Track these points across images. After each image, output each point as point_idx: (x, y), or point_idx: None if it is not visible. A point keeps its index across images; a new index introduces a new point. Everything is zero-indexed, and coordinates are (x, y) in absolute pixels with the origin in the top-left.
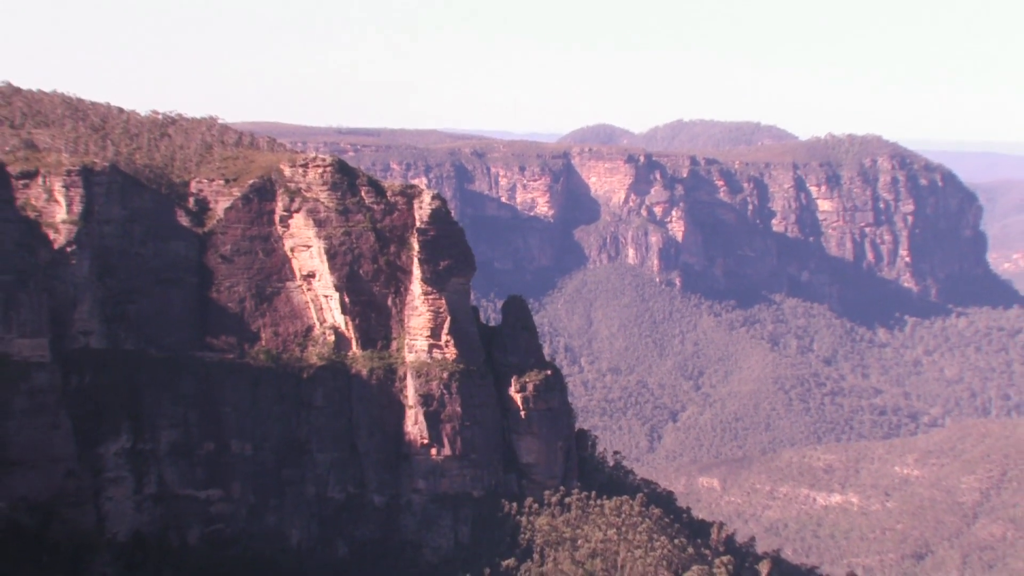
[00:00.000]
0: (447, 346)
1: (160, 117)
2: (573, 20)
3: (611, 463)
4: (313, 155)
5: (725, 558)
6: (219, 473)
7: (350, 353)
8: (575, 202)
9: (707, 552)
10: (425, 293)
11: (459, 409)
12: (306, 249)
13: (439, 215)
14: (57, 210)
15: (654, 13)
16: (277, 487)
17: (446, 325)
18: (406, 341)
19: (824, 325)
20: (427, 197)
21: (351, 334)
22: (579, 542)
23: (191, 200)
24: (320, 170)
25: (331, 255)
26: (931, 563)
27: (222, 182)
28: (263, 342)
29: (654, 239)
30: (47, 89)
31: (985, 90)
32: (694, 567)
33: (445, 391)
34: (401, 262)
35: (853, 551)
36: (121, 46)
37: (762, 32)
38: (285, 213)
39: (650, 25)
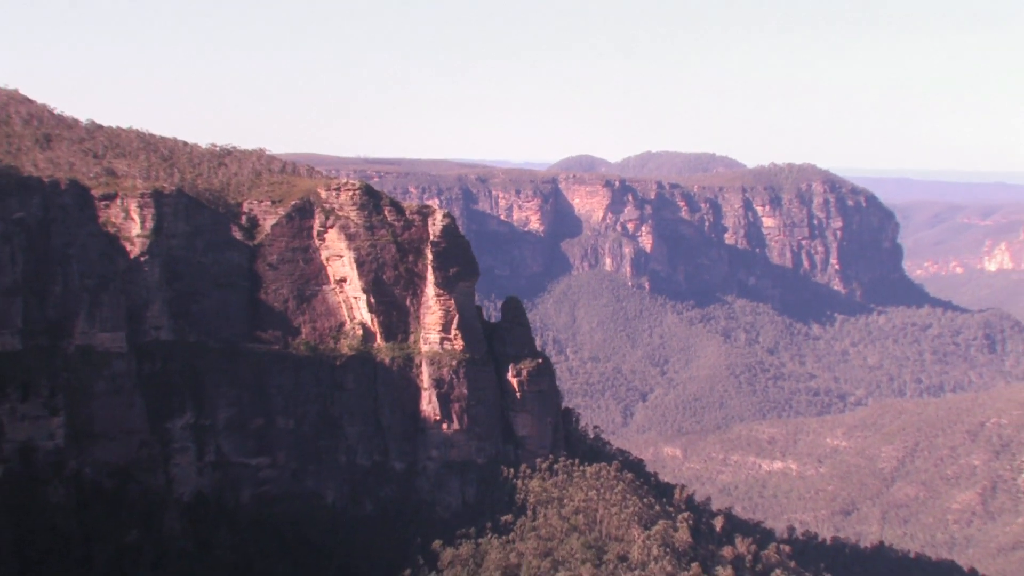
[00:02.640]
0: (456, 339)
1: (218, 149)
2: (560, 70)
3: (591, 436)
4: (344, 181)
5: (686, 514)
6: (267, 444)
7: (375, 345)
8: (562, 219)
9: (671, 509)
10: (437, 295)
11: (466, 391)
12: (339, 258)
13: (449, 230)
14: (133, 226)
15: (628, 64)
16: (315, 455)
17: (455, 321)
18: (422, 335)
19: (768, 321)
20: (439, 215)
21: (376, 329)
22: (565, 501)
23: (243, 218)
24: (350, 193)
25: (360, 263)
26: (856, 518)
27: (269, 203)
28: (303, 335)
29: (627, 250)
30: (124, 126)
31: (900, 126)
32: (660, 522)
33: (454, 376)
34: (418, 269)
35: (792, 509)
36: (186, 90)
37: (717, 82)
38: (321, 229)
39: (624, 74)
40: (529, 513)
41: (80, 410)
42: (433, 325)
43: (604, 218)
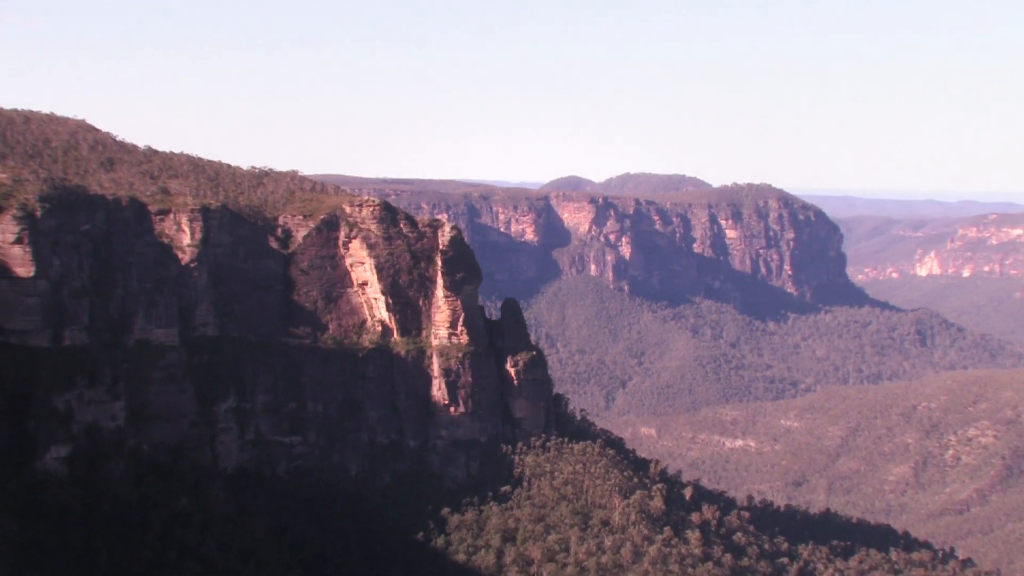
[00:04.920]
0: (462, 334)
1: (256, 170)
2: (551, 103)
3: (578, 418)
4: (366, 198)
5: (660, 485)
6: (299, 424)
7: (392, 339)
8: (553, 231)
9: (647, 481)
10: (446, 296)
11: (470, 379)
12: (361, 265)
13: (456, 241)
14: (184, 237)
15: (611, 97)
16: (340, 434)
17: (461, 319)
18: (432, 331)
19: (730, 319)
20: (447, 228)
21: (393, 325)
22: (556, 474)
23: (279, 230)
24: (371, 209)
25: (379, 269)
26: (806, 488)
27: (301, 217)
28: (330, 331)
29: (609, 258)
30: (177, 150)
31: (844, 150)
32: (637, 492)
33: (460, 366)
34: (429, 274)
35: (751, 481)
36: (231, 120)
37: (688, 113)
38: (346, 239)
39: (607, 106)
40: (525, 484)
41: (138, 395)
42: (442, 322)
43: (589, 230)
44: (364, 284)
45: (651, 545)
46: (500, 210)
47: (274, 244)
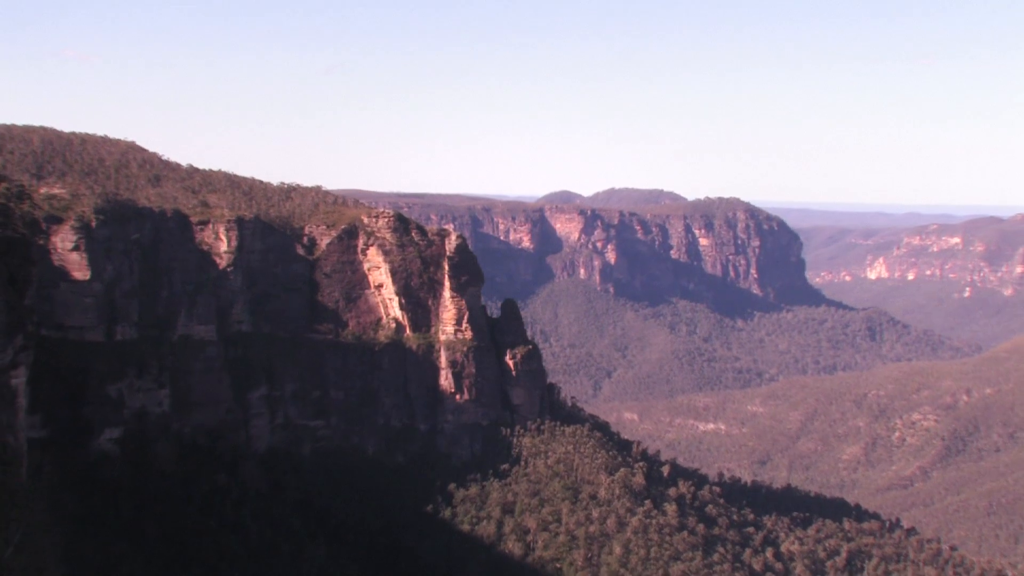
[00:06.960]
0: (466, 330)
1: (285, 186)
2: (545, 125)
3: (569, 404)
4: (382, 210)
5: (641, 464)
6: (322, 410)
7: (405, 335)
8: (547, 240)
9: (630, 460)
10: (452, 297)
11: (474, 370)
12: (377, 269)
13: (461, 248)
14: (221, 245)
15: (599, 119)
16: (359, 419)
17: (465, 317)
18: (440, 327)
19: (703, 317)
20: (454, 236)
21: (406, 323)
22: (549, 453)
23: (305, 238)
24: (386, 219)
25: (393, 273)
26: (770, 466)
27: (325, 227)
28: (350, 328)
29: (596, 263)
30: (215, 168)
31: (805, 168)
32: (621, 469)
33: (465, 359)
34: (437, 277)
35: (722, 460)
36: (263, 142)
37: (667, 134)
38: (364, 247)
39: (594, 128)
40: (522, 463)
41: (181, 384)
42: (449, 320)
43: (579, 239)
44: (380, 286)
45: (633, 516)
46: (500, 221)
47: (301, 251)
